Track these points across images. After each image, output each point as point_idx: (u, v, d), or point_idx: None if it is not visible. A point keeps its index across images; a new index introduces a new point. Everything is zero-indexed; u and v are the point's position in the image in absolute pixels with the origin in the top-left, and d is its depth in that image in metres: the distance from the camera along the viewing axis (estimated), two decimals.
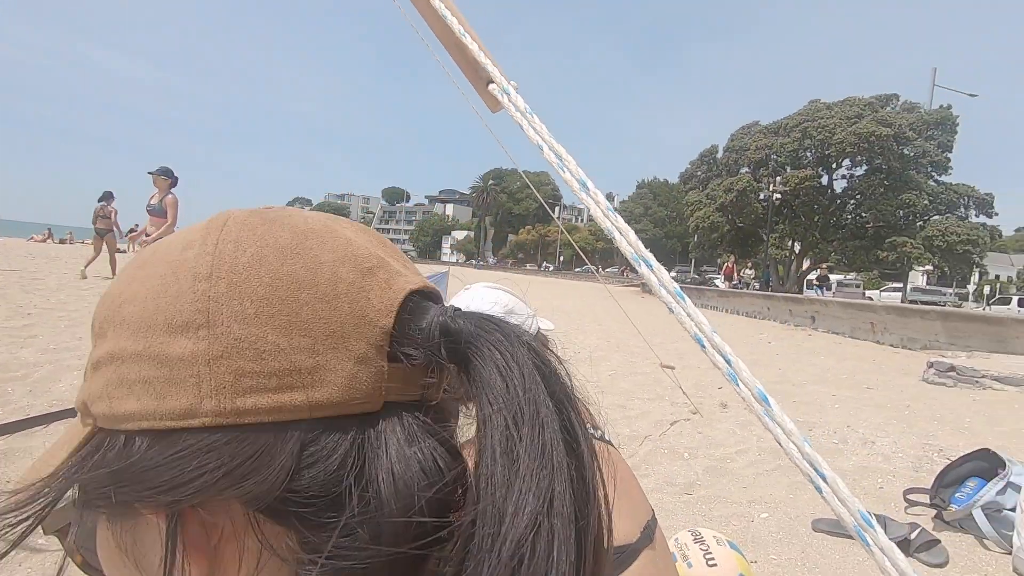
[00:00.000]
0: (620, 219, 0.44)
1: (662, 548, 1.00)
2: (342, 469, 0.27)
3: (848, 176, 32.43)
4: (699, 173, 38.22)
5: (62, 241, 27.16)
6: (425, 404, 0.30)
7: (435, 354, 0.29)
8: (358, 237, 0.32)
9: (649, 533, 0.96)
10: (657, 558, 0.95)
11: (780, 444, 0.37)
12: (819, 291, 20.58)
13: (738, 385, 0.36)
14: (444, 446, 0.30)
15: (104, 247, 10.33)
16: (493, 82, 0.54)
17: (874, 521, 0.33)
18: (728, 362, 0.37)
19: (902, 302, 20.89)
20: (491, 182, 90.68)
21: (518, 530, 0.25)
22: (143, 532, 0.29)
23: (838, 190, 32.65)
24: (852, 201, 32.01)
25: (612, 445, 0.97)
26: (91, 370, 0.30)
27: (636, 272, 0.43)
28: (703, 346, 0.40)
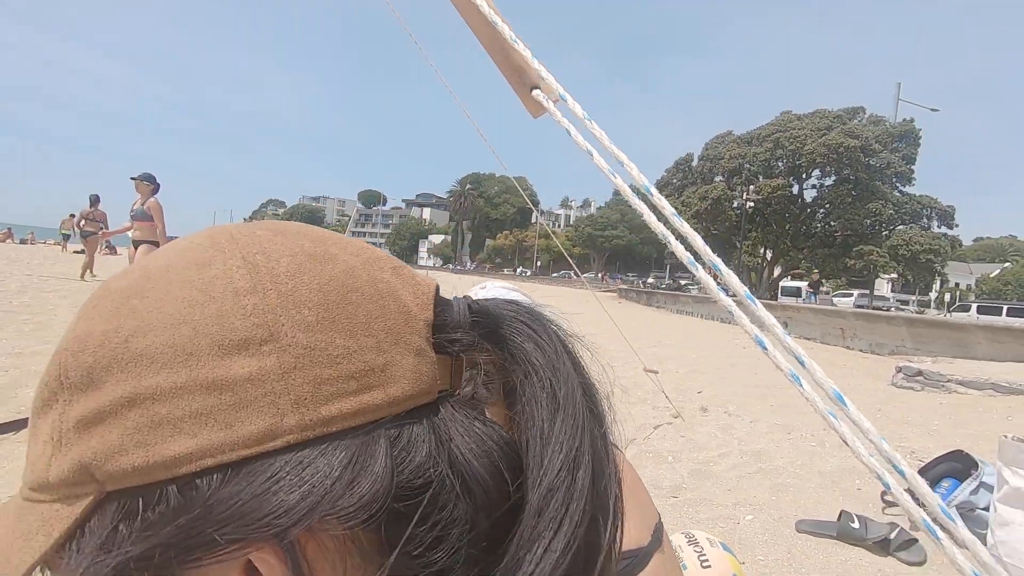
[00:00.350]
0: (685, 224, 0.45)
1: (670, 551, 1.01)
2: (431, 457, 0.27)
3: (818, 186, 33.43)
4: (675, 181, 38.90)
5: (23, 241, 26.16)
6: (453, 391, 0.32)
7: (473, 338, 0.31)
8: (363, 242, 0.34)
9: (659, 536, 0.98)
10: (667, 561, 0.96)
11: (846, 442, 0.38)
12: (813, 298, 20.86)
13: (802, 387, 0.37)
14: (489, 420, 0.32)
15: (86, 248, 10.60)
16: (538, 87, 0.55)
17: (955, 515, 0.34)
18: (802, 363, 0.38)
19: (855, 306, 21.53)
20: (469, 186, 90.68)
21: (554, 470, 0.28)
22: None
23: (808, 199, 33.63)
24: (821, 210, 32.99)
25: (618, 448, 0.99)
26: (78, 430, 0.25)
27: (694, 275, 0.44)
28: (764, 348, 0.41)
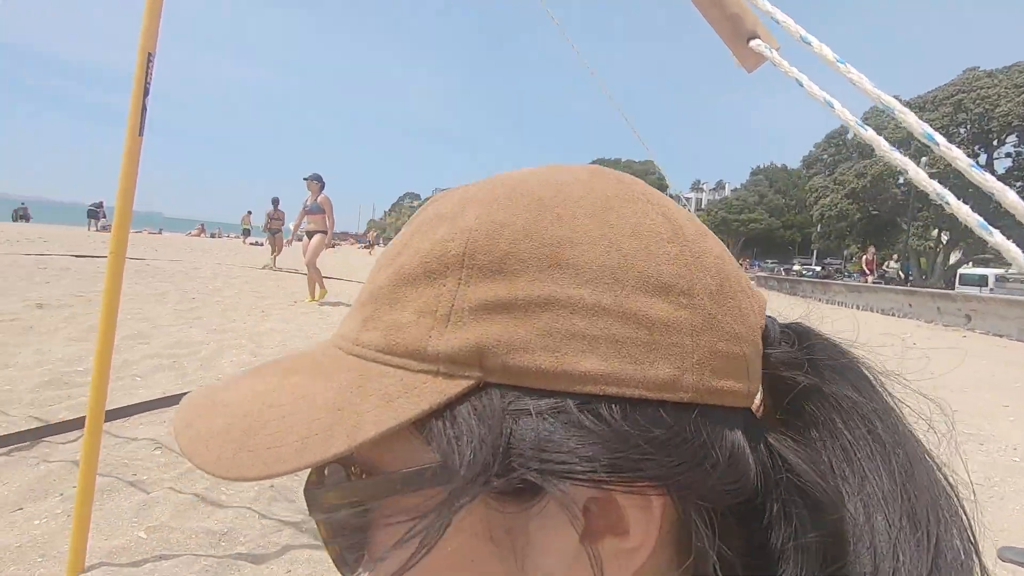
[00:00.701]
0: (989, 177, 0.37)
1: None
2: (769, 457, 0.27)
3: (1014, 154, 28.06)
4: (825, 156, 35.08)
5: (212, 235, 30.85)
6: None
7: (794, 358, 0.29)
8: None
9: None
10: None
11: None
12: None
13: None
14: None
15: (273, 242, 13.15)
16: (756, 37, 0.49)
17: None
18: None
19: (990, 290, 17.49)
20: None
21: (912, 530, 0.24)
22: (551, 519, 0.24)
23: (1000, 170, 28.37)
24: (1019, 183, 27.67)
25: None
26: (477, 312, 0.24)
27: (987, 241, 0.36)
28: None
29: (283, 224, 13.05)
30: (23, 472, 2.27)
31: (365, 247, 35.16)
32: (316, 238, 7.61)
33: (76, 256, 10.05)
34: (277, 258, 12.70)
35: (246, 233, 24.91)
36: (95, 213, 25.06)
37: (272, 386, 0.27)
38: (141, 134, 1.72)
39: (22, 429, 2.62)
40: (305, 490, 0.26)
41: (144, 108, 1.72)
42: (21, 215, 27.32)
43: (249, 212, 24.65)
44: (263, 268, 11.93)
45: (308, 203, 7.72)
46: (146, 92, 1.71)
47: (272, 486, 2.31)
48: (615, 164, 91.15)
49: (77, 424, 2.71)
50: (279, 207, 13.11)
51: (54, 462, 2.37)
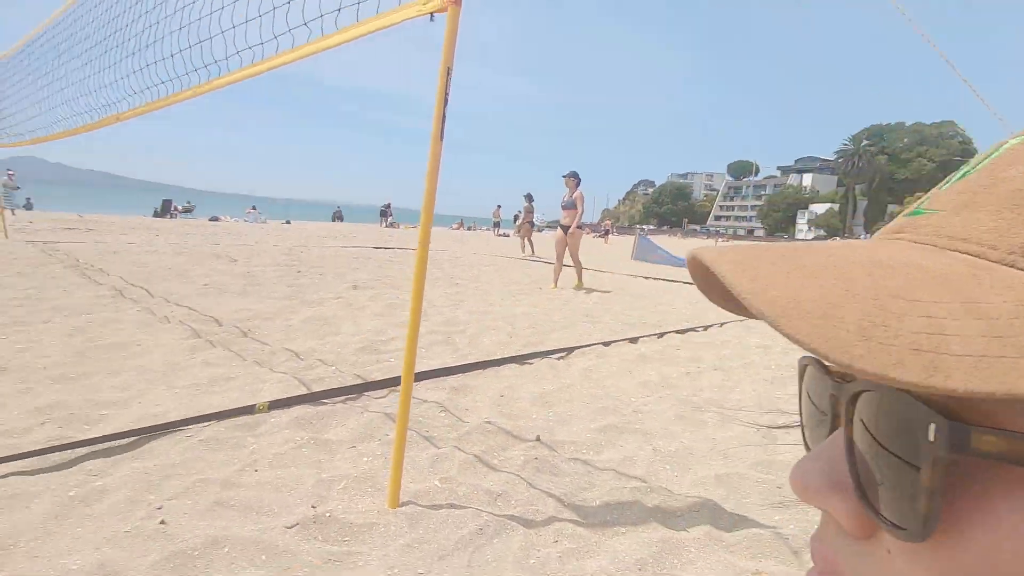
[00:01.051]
0: None
1: None
2: None
3: None
4: None
5: (469, 228, 35.14)
6: None
7: None
8: None
9: None
10: None
11: None
12: None
13: None
14: None
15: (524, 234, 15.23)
16: None
17: None
18: None
19: None
20: (865, 143, 75.63)
21: None
22: None
23: None
24: None
25: None
26: None
27: None
28: None
29: (534, 216, 14.47)
30: (353, 418, 2.88)
31: (600, 235, 35.93)
32: (572, 232, 8.10)
33: (375, 248, 12.46)
34: (533, 248, 14.17)
35: (496, 226, 27.68)
36: (384, 212, 30.73)
37: (877, 272, 0.21)
38: (442, 139, 1.99)
39: (351, 384, 3.33)
40: (950, 422, 0.19)
41: (444, 116, 1.97)
42: (337, 216, 35.06)
43: (499, 206, 27.34)
44: (524, 256, 13.42)
45: (565, 198, 8.23)
46: (445, 102, 1.96)
47: (536, 458, 2.49)
48: (897, 130, 75.26)
49: (387, 383, 3.34)
50: (532, 203, 14.50)
51: (372, 412, 2.95)
